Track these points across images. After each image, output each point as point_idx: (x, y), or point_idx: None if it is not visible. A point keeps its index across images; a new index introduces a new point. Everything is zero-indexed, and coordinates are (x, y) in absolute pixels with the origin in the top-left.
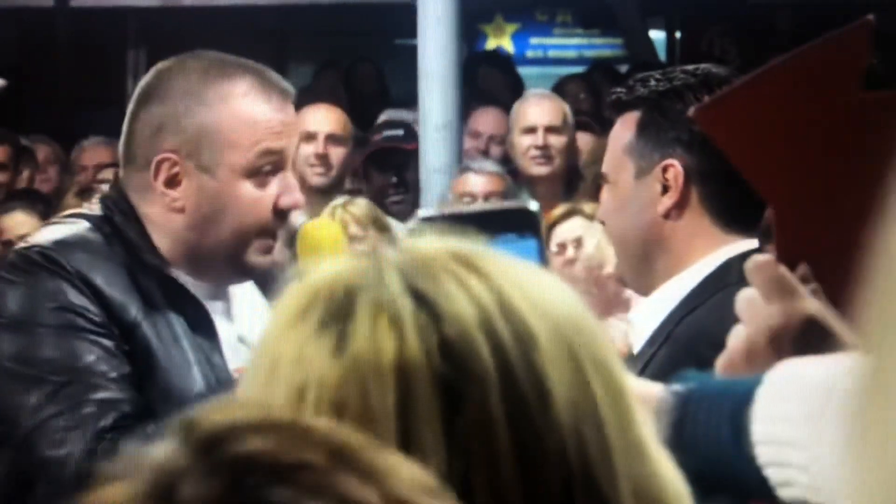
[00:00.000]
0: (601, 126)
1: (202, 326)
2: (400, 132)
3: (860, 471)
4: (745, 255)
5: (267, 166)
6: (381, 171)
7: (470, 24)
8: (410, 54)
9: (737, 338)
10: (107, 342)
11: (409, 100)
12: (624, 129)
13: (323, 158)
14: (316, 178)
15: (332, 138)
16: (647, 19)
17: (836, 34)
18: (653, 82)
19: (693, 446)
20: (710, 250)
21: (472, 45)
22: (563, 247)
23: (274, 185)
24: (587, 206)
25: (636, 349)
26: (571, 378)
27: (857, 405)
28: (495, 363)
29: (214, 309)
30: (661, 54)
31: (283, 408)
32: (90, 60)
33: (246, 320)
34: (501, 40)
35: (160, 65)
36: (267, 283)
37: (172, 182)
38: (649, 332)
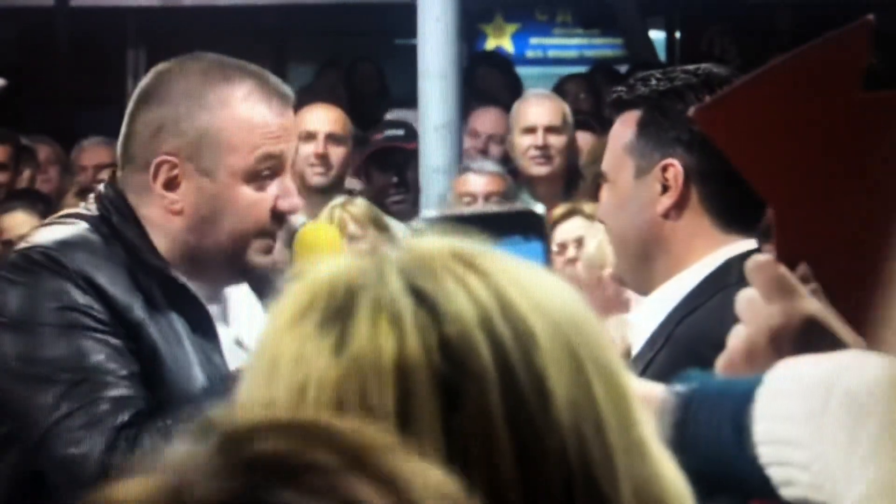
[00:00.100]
0: (601, 126)
1: (202, 326)
2: (401, 132)
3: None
4: (744, 256)
5: (266, 170)
6: (381, 170)
7: (470, 23)
8: (410, 54)
9: (737, 338)
10: (114, 341)
11: (410, 100)
12: (624, 128)
13: (323, 158)
14: (316, 177)
15: (331, 138)
16: (647, 19)
17: (836, 34)
18: (653, 82)
19: (695, 447)
20: (709, 250)
21: (472, 45)
22: (563, 246)
23: (272, 189)
24: (588, 206)
25: (636, 350)
26: (572, 377)
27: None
28: (495, 362)
29: (211, 311)
30: (661, 54)
31: (305, 410)
32: (90, 60)
33: (242, 323)
34: (501, 40)
35: (160, 66)
36: (263, 285)
37: (171, 184)
38: (649, 333)
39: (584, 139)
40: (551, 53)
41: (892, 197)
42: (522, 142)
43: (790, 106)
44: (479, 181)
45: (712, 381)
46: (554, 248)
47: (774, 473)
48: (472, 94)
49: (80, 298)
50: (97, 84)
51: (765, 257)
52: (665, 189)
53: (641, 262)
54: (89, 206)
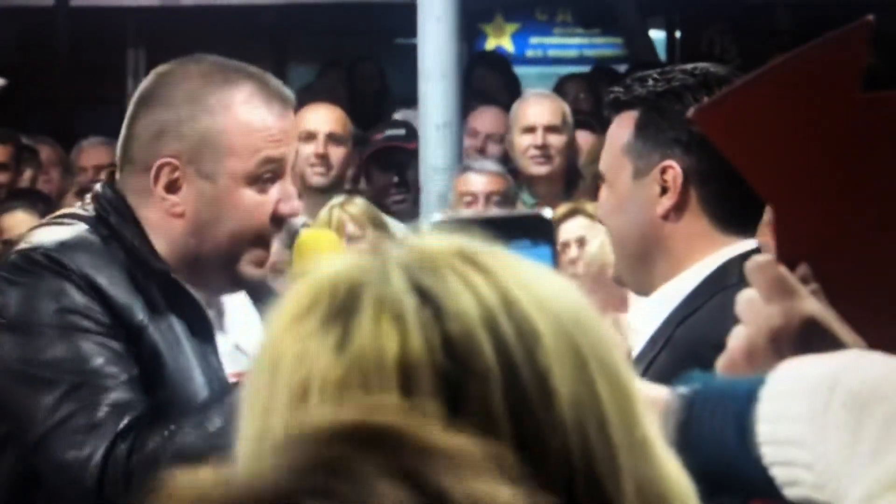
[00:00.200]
0: (601, 125)
1: (200, 329)
2: (401, 131)
3: None
4: (744, 256)
5: (267, 174)
6: (382, 170)
7: (470, 23)
8: (411, 54)
9: (737, 338)
10: (114, 344)
11: (410, 99)
12: (622, 129)
13: (323, 158)
14: (316, 177)
15: (332, 138)
16: (648, 19)
17: (835, 35)
18: (651, 82)
19: (698, 447)
20: (709, 251)
21: (473, 45)
22: (565, 246)
23: (273, 192)
24: (589, 206)
25: (636, 351)
26: (575, 376)
27: None
28: (498, 360)
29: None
30: (662, 54)
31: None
32: (90, 60)
33: (239, 330)
34: (501, 40)
35: (160, 68)
36: (259, 294)
37: (172, 187)
38: (649, 334)
39: (584, 139)
40: (551, 53)
41: (891, 197)
42: (522, 141)
43: (789, 106)
44: (480, 181)
45: (715, 382)
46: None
47: (778, 473)
48: (471, 94)
49: (81, 300)
50: (97, 84)
51: (765, 258)
52: (664, 190)
53: (641, 263)
54: (86, 207)
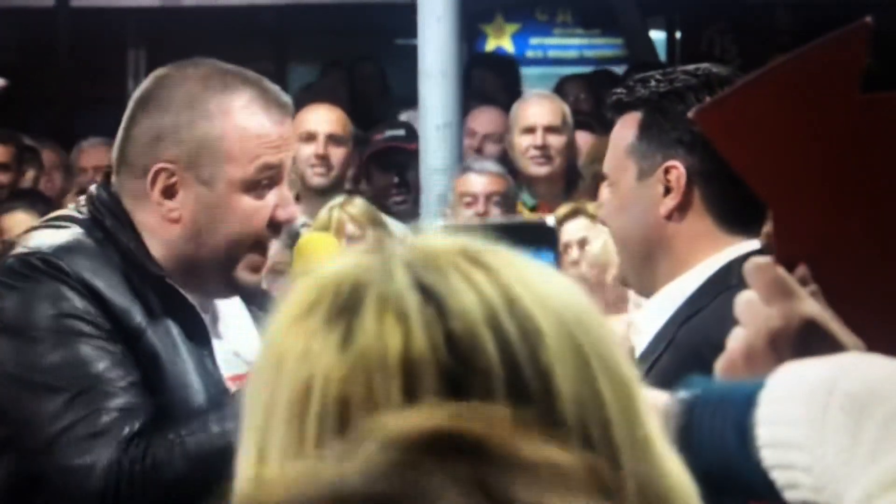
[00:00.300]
0: (601, 126)
1: (196, 334)
2: (401, 132)
3: None
4: (747, 257)
5: (265, 180)
6: (382, 171)
7: (470, 23)
8: (411, 54)
9: (736, 340)
10: (114, 348)
11: (411, 100)
12: (625, 130)
13: (323, 159)
14: (316, 178)
15: (332, 138)
16: (648, 19)
17: (835, 36)
18: (653, 83)
19: (699, 452)
20: (712, 252)
21: (473, 45)
22: (567, 247)
23: (270, 198)
24: (591, 206)
25: (639, 351)
26: (578, 375)
27: None
28: (501, 358)
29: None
30: (662, 54)
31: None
32: (90, 61)
33: (234, 336)
34: (501, 40)
35: (159, 72)
36: (253, 299)
37: (169, 192)
38: (652, 334)
39: (584, 139)
40: (551, 53)
41: (890, 198)
42: (522, 142)
43: (789, 107)
44: (480, 181)
45: (715, 387)
46: (557, 225)
47: (778, 477)
48: (470, 95)
49: (80, 304)
50: (97, 85)
51: (764, 259)
52: (667, 191)
53: (644, 264)
54: (80, 208)
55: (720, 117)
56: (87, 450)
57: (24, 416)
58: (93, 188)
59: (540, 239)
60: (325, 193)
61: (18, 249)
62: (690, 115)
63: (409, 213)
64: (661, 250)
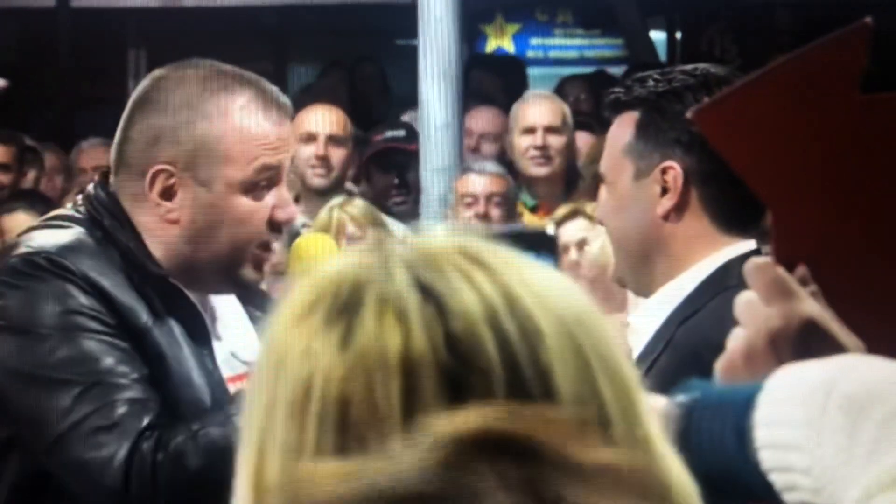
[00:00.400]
0: (601, 126)
1: (197, 332)
2: (401, 133)
3: None
4: (744, 257)
5: (263, 181)
6: (382, 171)
7: (470, 24)
8: (412, 55)
9: (736, 340)
10: (122, 344)
11: (411, 100)
12: (622, 130)
13: (323, 160)
14: (316, 179)
15: (332, 139)
16: (648, 19)
17: (834, 36)
18: (651, 83)
19: (698, 455)
20: (709, 252)
21: (473, 46)
22: (565, 249)
23: (269, 199)
24: (590, 207)
25: (636, 352)
26: (578, 374)
27: None
28: (501, 358)
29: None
30: (662, 55)
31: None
32: (90, 61)
33: (232, 336)
34: (502, 41)
35: (157, 72)
36: (250, 299)
37: (167, 193)
38: (649, 335)
39: (584, 140)
40: (552, 54)
41: (890, 199)
42: (522, 142)
43: (788, 108)
44: (481, 182)
45: (713, 390)
46: (558, 234)
47: (777, 479)
48: (468, 96)
49: (86, 301)
50: (98, 85)
51: (763, 259)
52: (665, 191)
53: (641, 264)
54: (78, 208)
55: (719, 117)
56: (102, 443)
57: (33, 412)
58: (90, 188)
59: (540, 246)
60: (325, 194)
61: (21, 249)
62: (689, 114)
63: (410, 213)
64: (659, 250)
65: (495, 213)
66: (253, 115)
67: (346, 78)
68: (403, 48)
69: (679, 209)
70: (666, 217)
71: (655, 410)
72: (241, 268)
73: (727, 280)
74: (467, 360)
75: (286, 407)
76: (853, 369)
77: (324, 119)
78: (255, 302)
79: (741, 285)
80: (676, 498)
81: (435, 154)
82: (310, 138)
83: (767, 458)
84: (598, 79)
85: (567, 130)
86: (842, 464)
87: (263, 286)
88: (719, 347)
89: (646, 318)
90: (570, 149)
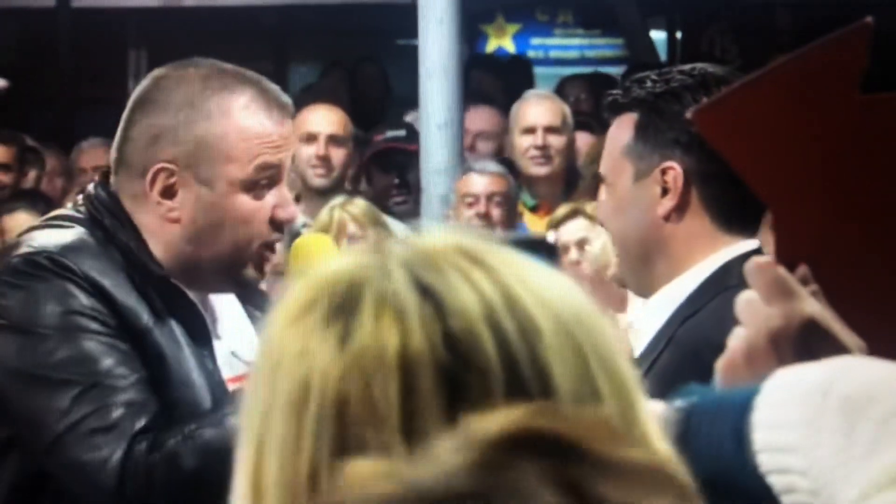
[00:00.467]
0: (602, 126)
1: (198, 333)
2: (402, 133)
3: None
4: (745, 257)
5: (264, 180)
6: (383, 171)
7: (471, 24)
8: (412, 54)
9: (737, 339)
10: (122, 345)
11: (412, 100)
12: (621, 131)
13: (324, 160)
14: (317, 178)
15: (333, 139)
16: (648, 19)
17: (835, 36)
18: (649, 83)
19: (697, 460)
20: (710, 252)
21: (474, 46)
22: (565, 249)
23: (270, 198)
24: (590, 206)
25: (637, 352)
26: (576, 372)
27: None
28: (499, 356)
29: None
30: (663, 55)
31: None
32: (91, 61)
33: (232, 336)
34: (502, 41)
35: (158, 72)
36: (250, 298)
37: (168, 192)
38: (651, 335)
39: (584, 140)
40: (552, 54)
41: (890, 199)
42: (522, 142)
43: (789, 108)
44: (481, 182)
45: (711, 394)
46: (558, 242)
47: (775, 481)
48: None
49: (87, 302)
50: (98, 85)
51: (764, 259)
52: (665, 191)
53: (642, 265)
54: (78, 208)
55: (718, 117)
56: (99, 445)
57: (32, 412)
58: (90, 187)
59: (540, 254)
60: (325, 194)
61: (23, 249)
62: (688, 115)
63: (410, 213)
64: (659, 251)
65: (496, 212)
66: (254, 114)
67: (346, 78)
68: (404, 48)
69: (680, 209)
70: (667, 217)
71: (654, 414)
72: (243, 267)
73: (728, 280)
74: (466, 359)
75: (284, 407)
76: (850, 370)
77: (325, 119)
78: (254, 301)
79: (742, 285)
80: (694, 495)
81: (436, 154)
82: (311, 138)
83: (766, 460)
84: (598, 79)
85: (567, 130)
86: (839, 465)
87: (263, 286)
88: (720, 347)
89: (647, 318)
90: (570, 149)
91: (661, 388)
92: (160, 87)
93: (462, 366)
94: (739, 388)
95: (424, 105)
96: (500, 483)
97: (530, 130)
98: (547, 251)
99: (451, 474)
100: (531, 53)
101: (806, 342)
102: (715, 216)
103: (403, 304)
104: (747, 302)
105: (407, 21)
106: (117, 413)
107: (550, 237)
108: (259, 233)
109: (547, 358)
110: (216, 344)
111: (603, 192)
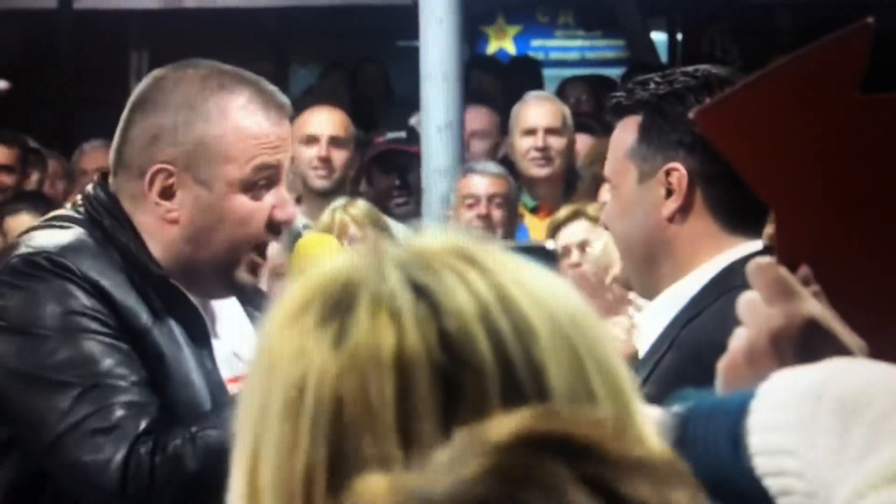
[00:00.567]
0: (603, 128)
1: (197, 333)
2: (403, 134)
3: None
4: (749, 258)
5: (262, 180)
6: (384, 173)
7: (471, 25)
8: (413, 56)
9: (739, 339)
10: (122, 346)
11: (412, 101)
12: (625, 134)
13: (325, 161)
14: (318, 180)
15: (334, 141)
16: (649, 20)
17: (836, 37)
18: (652, 85)
19: (694, 465)
20: (714, 253)
21: (474, 47)
22: (567, 250)
23: (268, 199)
24: (591, 208)
25: (641, 353)
26: (571, 372)
27: None
28: (494, 356)
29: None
30: (663, 56)
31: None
32: (93, 62)
33: (232, 337)
34: (503, 42)
35: (157, 72)
36: (250, 299)
37: (167, 193)
38: (655, 336)
39: (584, 141)
40: (553, 55)
41: (891, 198)
42: (523, 143)
43: (790, 108)
44: (482, 183)
45: (708, 399)
46: (558, 249)
47: (771, 484)
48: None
49: (87, 302)
50: (100, 86)
51: (766, 259)
52: (669, 193)
53: (647, 266)
54: (77, 208)
55: (720, 118)
56: (100, 446)
57: (32, 413)
58: (89, 188)
59: (539, 261)
60: (327, 195)
61: (22, 249)
62: (691, 115)
63: (411, 215)
64: (664, 252)
65: (497, 214)
66: (252, 115)
67: (347, 79)
68: (404, 49)
69: (684, 211)
70: (671, 219)
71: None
72: (237, 269)
73: (732, 281)
74: (461, 359)
75: (280, 407)
76: (844, 372)
77: (326, 121)
78: (254, 302)
79: (746, 286)
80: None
81: (436, 155)
82: (312, 140)
83: (761, 463)
84: (598, 81)
85: (567, 132)
86: (835, 466)
87: (264, 286)
88: (722, 348)
89: (651, 319)
90: (570, 150)
91: (665, 389)
92: (159, 87)
93: (457, 366)
94: (735, 392)
95: (425, 107)
96: (528, 485)
97: (531, 132)
98: (546, 258)
99: (466, 483)
100: (532, 55)
101: (807, 342)
102: (719, 217)
103: (398, 304)
104: (749, 302)
105: (407, 22)
106: (118, 414)
107: (549, 244)
108: (256, 234)
109: (542, 358)
110: (215, 344)
111: (604, 194)
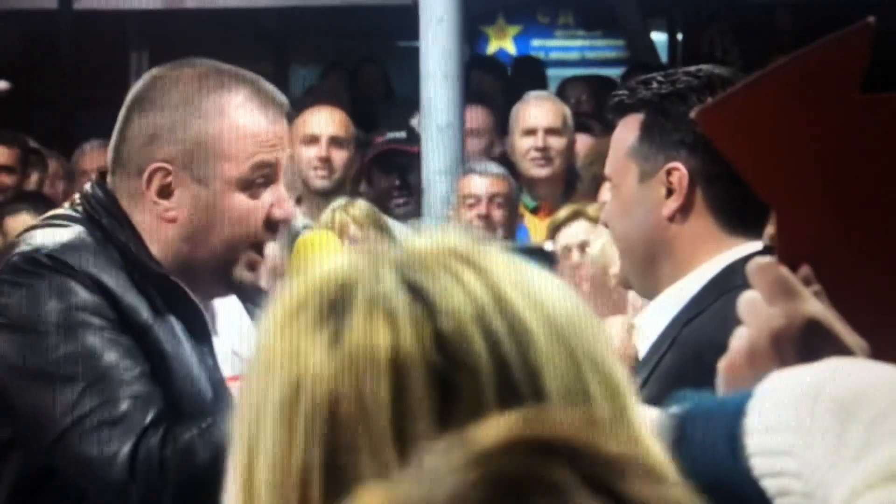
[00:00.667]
0: (602, 127)
1: (197, 329)
2: (403, 134)
3: None
4: (749, 258)
5: (260, 178)
6: (384, 173)
7: (472, 25)
8: (413, 56)
9: (739, 339)
10: (125, 340)
11: (412, 102)
12: (626, 132)
13: (325, 161)
14: (318, 180)
15: (334, 141)
16: (649, 20)
17: (836, 36)
18: (655, 85)
19: (692, 466)
20: (714, 253)
21: (474, 47)
22: (567, 251)
23: (266, 197)
24: (591, 208)
25: (642, 353)
26: (567, 373)
27: None
28: (490, 357)
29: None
30: (663, 56)
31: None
32: (93, 63)
33: (232, 335)
34: (503, 42)
35: (155, 71)
36: (250, 297)
37: (165, 191)
38: (655, 336)
39: (584, 141)
40: (553, 55)
41: (891, 198)
42: (523, 143)
43: (791, 108)
44: (483, 183)
45: (705, 400)
46: (558, 250)
47: (769, 485)
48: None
49: (89, 298)
50: (100, 87)
51: (766, 259)
52: (670, 192)
53: (647, 266)
54: (76, 207)
55: (722, 118)
56: (107, 438)
57: (37, 409)
58: (87, 187)
59: (538, 263)
60: (327, 196)
61: (22, 247)
62: (692, 115)
63: (411, 215)
64: (664, 252)
65: (497, 214)
66: (250, 113)
67: (347, 79)
68: (405, 49)
69: (684, 210)
70: (671, 218)
71: (646, 417)
72: (236, 267)
73: (732, 281)
74: (456, 360)
75: (276, 407)
76: (841, 372)
77: (326, 121)
78: (254, 300)
79: (746, 286)
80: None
81: (436, 155)
82: (312, 140)
83: (759, 464)
84: (598, 81)
85: (567, 132)
86: (832, 466)
87: (264, 284)
88: (722, 348)
89: (651, 319)
90: (570, 150)
91: (665, 389)
92: (156, 86)
93: (453, 366)
94: (733, 393)
95: (425, 107)
96: (535, 489)
97: (531, 132)
98: (544, 259)
99: (467, 490)
100: (532, 55)
101: (808, 342)
102: (720, 217)
103: (394, 304)
104: (749, 302)
105: (407, 22)
106: (124, 406)
107: (548, 246)
108: (254, 232)
109: (538, 359)
110: (216, 341)
111: (604, 193)
